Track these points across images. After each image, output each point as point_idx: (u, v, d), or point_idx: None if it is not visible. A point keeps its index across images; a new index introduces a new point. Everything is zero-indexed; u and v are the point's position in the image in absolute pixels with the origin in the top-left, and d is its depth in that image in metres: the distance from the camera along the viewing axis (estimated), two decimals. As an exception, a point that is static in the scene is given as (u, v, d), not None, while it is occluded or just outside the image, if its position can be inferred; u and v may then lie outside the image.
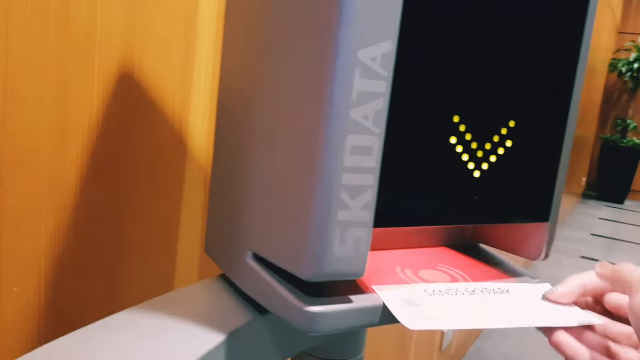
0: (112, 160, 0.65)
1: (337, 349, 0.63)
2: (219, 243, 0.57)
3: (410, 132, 0.46)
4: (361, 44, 0.41)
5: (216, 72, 0.79)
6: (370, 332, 1.46)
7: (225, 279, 0.59)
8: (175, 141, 0.74)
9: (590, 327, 0.48)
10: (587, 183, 7.21)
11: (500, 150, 0.51)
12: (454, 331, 2.31)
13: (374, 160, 0.43)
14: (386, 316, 0.47)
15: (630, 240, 5.11)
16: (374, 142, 0.43)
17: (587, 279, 0.50)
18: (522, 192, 0.54)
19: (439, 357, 2.18)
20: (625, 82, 6.92)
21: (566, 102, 0.53)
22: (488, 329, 2.85)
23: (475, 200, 0.51)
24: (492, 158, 0.51)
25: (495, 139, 0.51)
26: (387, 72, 0.42)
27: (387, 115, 0.43)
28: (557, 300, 0.50)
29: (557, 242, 4.67)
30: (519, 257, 0.60)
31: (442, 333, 2.17)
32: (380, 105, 0.42)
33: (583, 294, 0.50)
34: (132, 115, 0.67)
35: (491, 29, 0.49)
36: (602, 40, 5.82)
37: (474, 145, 0.50)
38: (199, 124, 0.78)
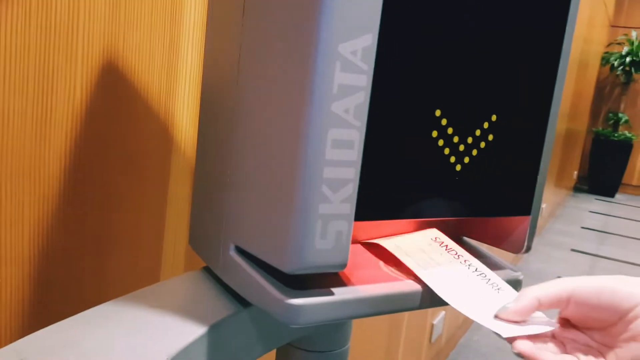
0: (96, 152, 0.65)
1: (322, 340, 0.63)
2: (202, 236, 0.57)
3: (392, 126, 0.46)
4: (342, 38, 0.41)
5: (201, 62, 0.79)
6: (359, 323, 1.47)
7: (208, 271, 0.59)
8: (160, 132, 0.74)
9: (549, 333, 0.48)
10: (579, 176, 7.24)
11: (482, 144, 0.51)
12: (444, 324, 2.32)
13: (355, 154, 0.43)
14: (369, 308, 0.47)
15: (620, 233, 5.14)
16: (355, 135, 0.43)
17: (542, 292, 0.48)
18: (504, 186, 0.54)
19: (428, 349, 2.20)
20: (618, 75, 6.95)
21: (548, 97, 0.54)
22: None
23: (458, 193, 0.51)
24: (474, 152, 0.51)
25: (477, 133, 0.51)
26: (368, 66, 0.42)
27: (369, 109, 0.43)
28: (510, 319, 0.48)
29: (547, 235, 4.70)
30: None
31: (432, 325, 2.18)
32: (361, 99, 0.42)
33: (538, 308, 0.48)
34: (116, 107, 0.67)
35: (474, 23, 0.49)
36: (594, 34, 5.83)
37: (455, 139, 0.50)
38: (184, 115, 0.78)
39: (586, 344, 0.48)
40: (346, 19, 0.40)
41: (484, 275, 0.52)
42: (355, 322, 1.43)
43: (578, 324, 0.49)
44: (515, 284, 0.56)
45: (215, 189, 0.53)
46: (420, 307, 0.50)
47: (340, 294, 0.46)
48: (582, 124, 6.65)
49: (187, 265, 0.83)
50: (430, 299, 0.50)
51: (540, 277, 3.59)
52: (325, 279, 0.48)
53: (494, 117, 0.52)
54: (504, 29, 0.51)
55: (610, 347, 0.46)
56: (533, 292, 0.47)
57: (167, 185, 0.77)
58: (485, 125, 0.51)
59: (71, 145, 0.61)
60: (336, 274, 0.49)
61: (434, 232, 0.58)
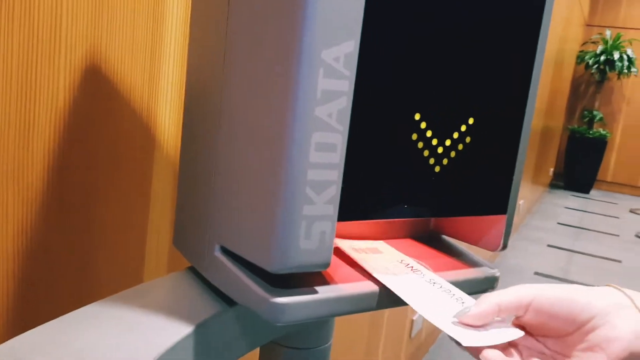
0: (79, 153, 0.65)
1: (305, 337, 0.65)
2: (187, 236, 0.58)
3: (373, 129, 0.48)
4: (325, 45, 0.42)
5: (184, 67, 0.80)
6: (341, 320, 1.49)
7: (193, 271, 0.60)
8: (143, 133, 0.75)
9: (512, 341, 0.48)
10: (555, 173, 7.37)
11: (460, 146, 0.53)
12: (424, 319, 2.35)
13: (338, 157, 0.44)
14: (350, 306, 0.49)
15: (595, 229, 5.25)
16: (338, 139, 0.44)
17: (502, 298, 0.48)
18: (481, 186, 0.56)
19: (408, 344, 2.23)
20: (592, 74, 7.07)
21: (523, 99, 0.56)
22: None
23: (437, 193, 0.53)
24: (452, 154, 0.53)
25: (455, 135, 0.53)
26: (350, 72, 0.44)
27: (351, 113, 0.44)
28: (470, 323, 0.48)
29: (524, 231, 4.77)
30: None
31: (412, 321, 2.21)
32: (343, 104, 0.44)
33: (498, 313, 0.48)
34: (99, 108, 0.67)
35: (451, 29, 0.51)
36: (570, 32, 5.93)
37: (434, 142, 0.52)
38: (167, 117, 0.78)
39: (540, 351, 0.48)
40: (329, 26, 0.42)
41: (449, 290, 0.53)
42: (337, 319, 1.45)
43: (534, 331, 0.49)
44: (492, 281, 0.58)
45: (200, 190, 0.54)
46: (401, 304, 0.52)
47: (323, 292, 0.48)
48: (558, 121, 6.76)
49: (171, 265, 0.84)
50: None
51: (517, 272, 3.65)
52: (308, 278, 0.50)
53: (471, 120, 0.53)
54: (479, 35, 0.53)
55: (565, 355, 0.47)
56: (493, 298, 0.48)
57: (150, 186, 0.77)
58: (463, 128, 0.53)
59: (54, 146, 0.62)
60: (319, 273, 0.50)
61: (400, 256, 0.58)
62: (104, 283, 0.72)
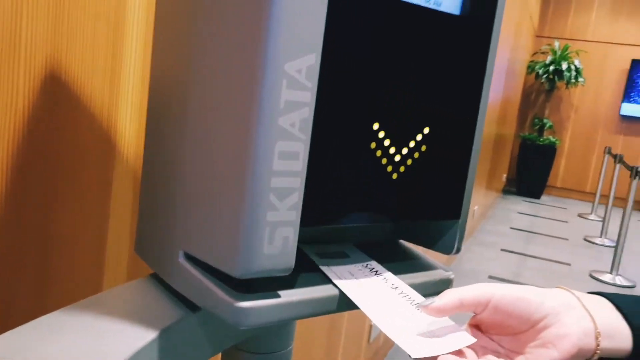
0: (38, 159, 0.65)
1: (266, 342, 0.66)
2: (150, 243, 0.59)
3: (334, 138, 0.50)
4: (288, 58, 0.44)
5: (145, 73, 0.80)
6: (301, 325, 1.50)
7: (156, 278, 0.60)
8: (103, 141, 0.75)
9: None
10: (508, 179, 7.58)
11: (416, 155, 0.56)
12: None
13: (300, 165, 0.46)
14: (312, 309, 0.50)
15: (545, 233, 5.43)
16: (300, 147, 0.46)
17: (465, 294, 0.50)
18: (436, 192, 0.59)
19: (367, 348, 2.25)
20: (542, 83, 7.32)
21: (475, 110, 0.59)
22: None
23: (394, 200, 0.55)
24: (409, 162, 0.55)
25: (411, 144, 0.55)
26: (312, 84, 0.45)
27: (313, 123, 0.46)
28: (432, 315, 0.50)
29: (479, 236, 4.89)
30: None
31: (370, 325, 2.24)
32: (306, 114, 0.46)
33: (459, 308, 0.50)
34: (58, 116, 0.67)
35: (406, 44, 0.53)
36: (521, 43, 6.12)
37: (392, 150, 0.54)
38: (127, 125, 0.78)
39: (495, 350, 0.51)
40: (292, 40, 0.43)
41: (408, 296, 0.54)
42: (296, 324, 1.45)
43: (490, 330, 0.52)
44: (447, 283, 0.60)
45: (163, 197, 0.55)
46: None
47: (286, 296, 0.49)
48: (511, 129, 6.96)
49: (131, 273, 0.84)
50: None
51: (473, 277, 3.74)
52: (272, 282, 0.51)
53: (426, 130, 0.56)
54: (432, 50, 0.55)
55: (519, 352, 0.50)
56: (456, 293, 0.50)
57: (109, 193, 0.77)
58: (419, 137, 0.56)
59: (13, 153, 0.61)
60: (282, 277, 0.52)
61: (366, 259, 0.60)
62: (62, 291, 0.72)
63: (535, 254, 4.58)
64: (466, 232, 4.48)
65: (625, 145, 7.40)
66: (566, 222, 6.11)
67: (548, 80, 7.20)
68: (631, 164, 4.59)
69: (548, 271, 4.13)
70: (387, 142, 0.53)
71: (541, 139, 7.22)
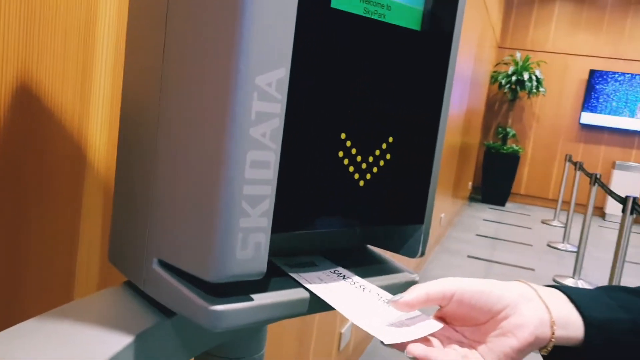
0: (9, 171, 0.65)
1: (238, 347, 0.67)
2: (123, 251, 0.60)
3: (304, 147, 0.52)
4: (258, 71, 0.46)
5: (115, 85, 0.81)
6: (269, 334, 1.51)
7: (129, 285, 0.61)
8: (74, 152, 0.75)
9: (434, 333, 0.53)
10: (473, 187, 7.72)
11: (382, 163, 0.58)
12: (352, 332, 2.41)
13: (271, 173, 0.48)
14: (284, 311, 0.52)
15: (510, 239, 5.55)
16: (271, 157, 0.48)
17: (431, 288, 0.53)
18: (401, 198, 0.61)
19: (337, 356, 2.27)
20: (505, 93, 7.51)
21: (436, 121, 0.62)
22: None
23: (362, 206, 0.58)
24: (375, 169, 0.58)
25: (377, 153, 0.58)
26: (282, 96, 0.48)
27: (283, 133, 0.48)
28: (401, 310, 0.53)
29: (446, 243, 4.97)
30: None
31: (340, 333, 2.26)
32: (276, 125, 0.48)
33: (426, 302, 0.52)
34: (29, 128, 0.67)
35: (370, 58, 0.56)
36: (484, 54, 6.27)
37: (359, 159, 0.56)
38: (98, 135, 0.79)
39: (459, 340, 0.54)
40: (262, 54, 0.46)
41: (377, 294, 0.57)
42: (267, 329, 1.47)
43: (454, 321, 0.55)
44: (412, 285, 0.63)
45: (137, 206, 0.56)
46: (330, 308, 0.56)
47: (258, 299, 0.51)
48: (475, 138, 7.11)
49: (102, 282, 0.84)
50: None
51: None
52: (244, 287, 0.53)
53: (390, 139, 0.59)
54: (395, 64, 0.58)
55: (481, 342, 0.53)
56: (422, 288, 0.53)
57: (80, 203, 0.78)
58: (384, 146, 0.59)
59: (-14, 166, 0.62)
60: (254, 282, 0.54)
61: (333, 266, 0.62)
62: (33, 300, 0.72)
63: (501, 260, 4.67)
64: (434, 239, 4.56)
65: (585, 152, 7.63)
66: (530, 228, 6.25)
67: (511, 90, 7.38)
68: (591, 171, 4.73)
69: (513, 277, 4.22)
70: (354, 151, 0.56)
71: (505, 148, 7.39)
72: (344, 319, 2.29)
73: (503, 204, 7.51)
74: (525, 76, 7.23)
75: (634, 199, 3.05)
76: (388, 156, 0.59)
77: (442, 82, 0.62)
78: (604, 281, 3.76)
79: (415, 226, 0.64)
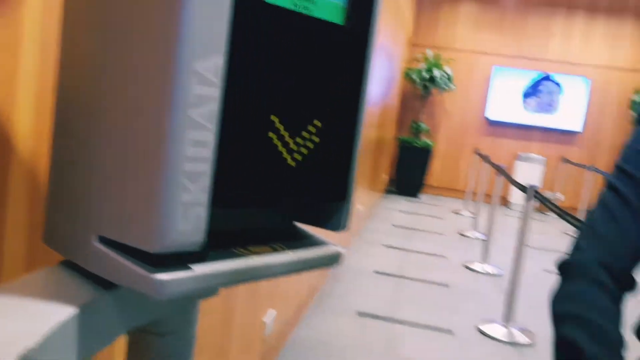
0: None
1: (172, 323, 0.71)
2: (61, 231, 0.62)
3: (238, 128, 0.57)
4: (196, 57, 0.50)
5: (43, 72, 0.81)
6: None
7: (66, 264, 0.63)
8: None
9: None
10: (389, 179, 7.99)
11: (310, 145, 0.64)
12: (275, 320, 2.46)
13: (209, 152, 0.52)
14: (223, 279, 0.57)
15: (424, 229, 5.80)
16: (209, 136, 0.52)
17: None
18: (328, 178, 0.67)
19: (261, 345, 2.31)
20: (418, 89, 7.81)
21: (357, 110, 0.68)
22: (307, 317, 3.06)
23: (291, 185, 0.63)
24: (304, 150, 0.63)
25: (306, 135, 0.63)
26: (219, 80, 0.52)
27: (219, 115, 0.53)
28: None
29: (364, 234, 5.12)
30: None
31: (263, 322, 2.30)
32: (213, 107, 0.52)
33: None
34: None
35: (299, 48, 0.61)
36: (398, 51, 6.50)
37: (289, 141, 0.62)
38: (24, 123, 0.79)
39: None
40: (200, 42, 0.50)
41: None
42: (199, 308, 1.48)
43: None
44: (337, 257, 0.69)
45: (76, 186, 0.58)
46: (265, 276, 0.61)
47: (198, 269, 0.55)
48: (390, 132, 7.35)
49: (30, 267, 0.84)
50: (271, 270, 0.61)
51: (359, 272, 3.93)
52: (184, 258, 0.56)
53: (318, 123, 0.64)
54: (321, 54, 0.64)
55: None
56: None
57: (6, 190, 0.78)
58: (312, 129, 0.64)
59: None
60: (194, 253, 0.57)
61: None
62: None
63: (415, 249, 4.89)
64: (352, 231, 4.69)
65: (491, 146, 8.08)
66: (442, 218, 6.56)
67: (423, 86, 7.69)
68: (497, 163, 5.03)
69: (427, 264, 4.44)
70: (284, 133, 0.61)
71: (418, 141, 7.69)
72: (266, 308, 2.34)
73: (417, 196, 7.82)
74: (436, 73, 7.55)
75: (535, 187, 3.29)
76: (316, 139, 0.65)
77: (362, 72, 0.68)
78: (509, 265, 4.03)
79: (339, 203, 0.70)
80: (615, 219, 0.69)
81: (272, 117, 0.60)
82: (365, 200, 5.35)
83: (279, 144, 0.61)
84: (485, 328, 3.22)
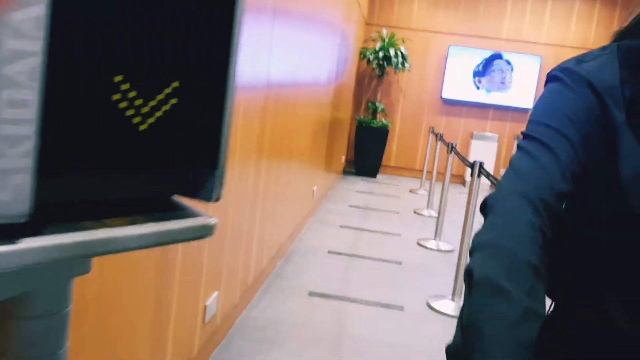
0: None
1: (38, 304, 0.66)
2: None
3: (71, 89, 0.51)
4: (11, 8, 0.44)
5: None
6: (120, 309, 1.46)
7: None
8: None
9: None
10: (347, 160, 7.98)
11: (166, 107, 0.59)
12: (218, 302, 2.41)
13: (31, 112, 0.47)
14: (59, 256, 0.52)
15: (380, 208, 5.82)
16: (30, 95, 0.47)
17: None
18: (192, 144, 0.63)
19: (202, 330, 2.26)
20: (374, 69, 7.79)
21: (226, 68, 0.64)
22: (256, 299, 3.03)
23: (145, 151, 0.58)
24: (159, 114, 0.58)
25: (161, 97, 0.58)
26: (41, 33, 0.47)
27: (48, 72, 0.47)
28: None
29: (319, 215, 5.11)
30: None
31: (205, 306, 2.25)
32: (35, 63, 0.47)
33: None
34: None
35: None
36: (352, 30, 6.45)
37: (138, 102, 0.57)
38: None
39: None
40: (10, -11, 0.44)
41: None
42: (114, 307, 1.42)
43: None
44: (210, 229, 0.65)
45: None
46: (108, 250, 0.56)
47: (26, 242, 0.50)
48: (347, 112, 7.32)
49: None
50: (122, 243, 0.57)
51: (313, 252, 3.91)
52: (8, 230, 0.51)
53: (176, 84, 0.60)
54: (178, 3, 0.59)
55: None
56: None
57: None
58: (168, 90, 0.59)
59: None
60: (24, 225, 0.52)
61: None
62: None
63: (371, 228, 4.90)
64: (306, 211, 4.66)
65: (446, 125, 8.15)
66: (398, 197, 6.59)
67: (378, 65, 7.67)
68: (449, 142, 5.05)
69: (381, 242, 4.45)
70: (133, 94, 0.56)
71: (375, 122, 7.69)
72: (208, 291, 2.29)
73: (374, 176, 7.84)
74: (392, 52, 7.54)
75: (480, 163, 3.32)
76: (174, 100, 0.60)
77: (232, 22, 0.63)
78: (459, 240, 4.07)
79: (210, 171, 0.65)
80: (535, 159, 0.69)
81: (117, 78, 0.55)
82: (320, 181, 5.32)
83: (125, 104, 0.56)
84: (435, 304, 3.25)
